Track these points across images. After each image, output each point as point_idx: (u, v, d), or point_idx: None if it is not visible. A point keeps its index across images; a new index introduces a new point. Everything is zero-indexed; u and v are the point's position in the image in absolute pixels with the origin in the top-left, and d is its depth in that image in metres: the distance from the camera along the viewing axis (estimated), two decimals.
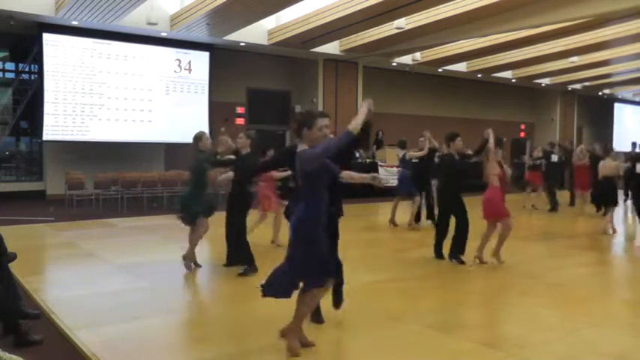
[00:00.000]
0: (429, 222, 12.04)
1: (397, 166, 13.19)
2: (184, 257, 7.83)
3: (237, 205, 7.62)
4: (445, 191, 8.72)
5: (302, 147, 4.67)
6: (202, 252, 8.41)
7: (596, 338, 5.38)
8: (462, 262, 8.25)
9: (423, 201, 12.30)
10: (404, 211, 12.40)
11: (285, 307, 6.16)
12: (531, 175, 16.12)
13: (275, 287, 4.68)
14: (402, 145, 12.43)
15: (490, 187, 8.34)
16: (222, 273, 7.73)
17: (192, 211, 7.76)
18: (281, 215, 9.95)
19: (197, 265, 7.97)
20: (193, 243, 7.88)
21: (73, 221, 12.77)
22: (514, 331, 5.51)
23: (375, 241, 11.06)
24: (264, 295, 4.72)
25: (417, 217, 12.24)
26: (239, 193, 7.69)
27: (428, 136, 11.77)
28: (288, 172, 10.08)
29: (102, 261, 8.76)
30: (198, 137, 7.87)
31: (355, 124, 4.60)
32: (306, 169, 4.59)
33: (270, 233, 9.72)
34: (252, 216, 8.25)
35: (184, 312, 6.31)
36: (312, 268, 4.62)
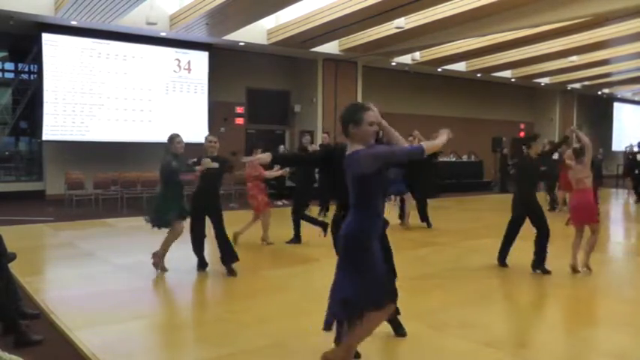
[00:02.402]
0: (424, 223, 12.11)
1: None
2: (153, 255, 7.90)
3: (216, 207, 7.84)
4: (526, 197, 8.11)
5: (356, 147, 3.95)
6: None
7: (596, 338, 5.39)
8: (548, 272, 7.82)
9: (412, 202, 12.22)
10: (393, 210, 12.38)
11: (284, 308, 6.17)
12: None
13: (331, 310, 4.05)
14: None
15: (582, 191, 7.96)
16: (221, 273, 7.73)
17: (162, 215, 7.75)
18: (269, 214, 10.03)
19: (164, 269, 7.90)
20: (166, 245, 7.92)
21: (72, 221, 12.77)
22: (514, 331, 5.51)
23: None
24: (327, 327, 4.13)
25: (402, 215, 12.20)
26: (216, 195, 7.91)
27: (417, 135, 11.54)
28: (280, 172, 10.12)
29: (102, 261, 8.77)
30: (169, 139, 7.80)
31: (432, 146, 4.08)
32: (359, 172, 3.89)
33: (260, 232, 9.81)
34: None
35: (184, 312, 6.31)
36: (369, 291, 3.91)
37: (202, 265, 7.95)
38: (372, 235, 3.97)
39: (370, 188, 3.94)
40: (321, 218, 9.93)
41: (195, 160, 7.78)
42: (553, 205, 15.50)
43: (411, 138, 11.86)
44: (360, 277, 3.90)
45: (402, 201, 12.19)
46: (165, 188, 7.82)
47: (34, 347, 4.89)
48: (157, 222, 7.80)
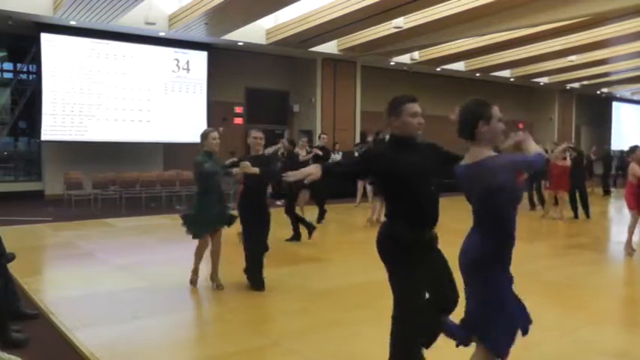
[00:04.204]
0: None
1: None
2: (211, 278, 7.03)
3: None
4: None
5: (477, 152, 3.37)
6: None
7: (594, 337, 5.39)
8: None
9: None
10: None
11: (283, 307, 6.18)
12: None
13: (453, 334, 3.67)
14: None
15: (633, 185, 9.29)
16: (221, 273, 7.73)
17: (195, 222, 6.82)
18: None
19: (193, 284, 7.10)
20: (198, 258, 7.07)
21: (71, 221, 12.76)
22: None
23: (369, 240, 11.03)
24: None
25: None
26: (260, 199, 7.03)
27: None
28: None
29: (101, 261, 8.77)
30: (203, 135, 6.83)
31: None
32: (493, 184, 3.27)
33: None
34: None
35: (183, 312, 6.31)
36: (495, 329, 3.38)
37: (259, 285, 6.88)
38: (499, 260, 3.39)
39: (503, 202, 3.32)
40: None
41: (234, 160, 7.07)
42: (537, 203, 15.63)
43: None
44: (482, 313, 3.43)
45: None
46: (200, 192, 6.85)
47: (33, 347, 4.89)
48: (190, 230, 6.87)
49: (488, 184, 3.28)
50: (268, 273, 6.97)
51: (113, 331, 5.40)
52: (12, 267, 5.61)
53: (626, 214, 9.89)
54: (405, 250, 3.79)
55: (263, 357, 4.94)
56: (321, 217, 12.16)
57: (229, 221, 7.01)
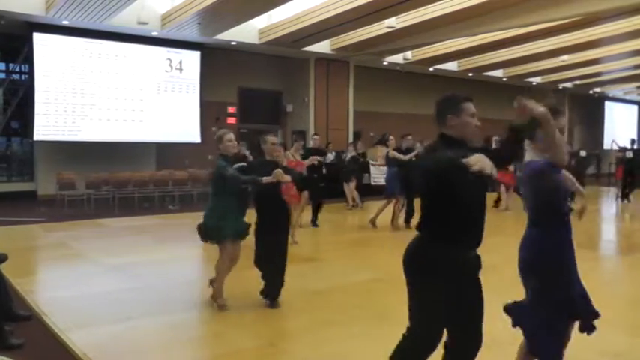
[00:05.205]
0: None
1: (384, 165, 13.00)
2: (212, 297, 6.35)
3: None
4: None
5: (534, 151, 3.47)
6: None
7: (591, 336, 5.41)
8: None
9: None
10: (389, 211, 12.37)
11: (278, 307, 6.17)
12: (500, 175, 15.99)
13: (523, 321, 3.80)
14: (382, 142, 12.43)
15: None
16: (212, 273, 7.73)
17: (211, 230, 6.18)
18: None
19: (222, 307, 6.21)
20: (220, 274, 6.31)
21: (64, 222, 12.73)
22: (507, 329, 5.49)
23: (363, 240, 11.08)
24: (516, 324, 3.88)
25: (409, 218, 11.94)
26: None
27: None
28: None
29: (94, 261, 8.75)
30: (218, 138, 6.30)
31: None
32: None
33: None
34: None
35: (176, 312, 6.30)
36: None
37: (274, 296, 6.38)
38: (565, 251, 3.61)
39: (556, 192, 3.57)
40: None
41: (242, 164, 6.60)
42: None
43: (410, 137, 12.14)
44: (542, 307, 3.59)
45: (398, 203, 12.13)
46: (216, 199, 6.21)
47: (26, 349, 4.88)
48: (205, 235, 6.24)
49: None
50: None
51: (106, 332, 5.40)
52: (4, 268, 5.59)
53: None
54: (443, 272, 3.32)
55: (257, 357, 4.94)
56: (315, 218, 12.28)
57: (246, 232, 6.38)
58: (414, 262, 3.39)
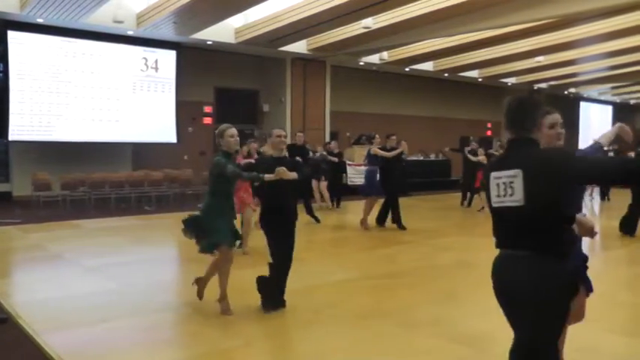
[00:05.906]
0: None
1: (364, 164, 13.03)
2: (219, 300, 6.06)
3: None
4: None
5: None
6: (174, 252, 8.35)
7: (573, 334, 5.47)
8: None
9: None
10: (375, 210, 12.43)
11: (256, 307, 6.18)
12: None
13: None
14: (368, 140, 12.55)
15: None
16: (191, 274, 7.72)
17: (209, 235, 5.84)
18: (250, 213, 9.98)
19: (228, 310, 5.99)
20: (222, 277, 6.06)
21: (40, 223, 12.60)
22: (485, 328, 5.55)
23: (344, 240, 11.12)
24: None
25: (382, 218, 12.01)
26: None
27: (404, 147, 12.14)
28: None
29: (70, 263, 8.70)
30: (219, 133, 5.98)
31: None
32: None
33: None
34: None
35: (153, 314, 6.28)
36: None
37: (276, 304, 6.11)
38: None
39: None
40: None
41: (246, 162, 6.47)
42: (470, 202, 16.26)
43: (393, 137, 12.24)
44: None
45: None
46: (214, 198, 5.89)
47: (0, 352, 4.85)
48: (203, 246, 5.91)
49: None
50: (244, 274, 6.92)
51: (83, 334, 5.38)
52: None
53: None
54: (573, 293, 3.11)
55: (235, 358, 4.95)
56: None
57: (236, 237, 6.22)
58: (552, 289, 2.99)
